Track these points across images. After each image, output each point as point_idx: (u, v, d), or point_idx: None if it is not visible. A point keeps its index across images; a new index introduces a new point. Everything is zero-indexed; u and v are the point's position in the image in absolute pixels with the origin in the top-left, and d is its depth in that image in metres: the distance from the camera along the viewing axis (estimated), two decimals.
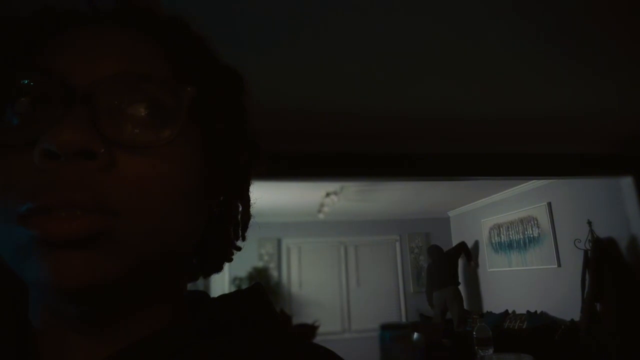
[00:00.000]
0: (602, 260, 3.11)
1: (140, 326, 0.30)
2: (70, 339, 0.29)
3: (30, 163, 0.26)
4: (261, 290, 0.38)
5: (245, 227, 0.40)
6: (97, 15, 0.33)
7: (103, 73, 0.28)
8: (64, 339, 0.29)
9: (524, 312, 4.36)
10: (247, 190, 0.39)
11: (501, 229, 5.08)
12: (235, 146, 0.36)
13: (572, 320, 3.58)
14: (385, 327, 1.67)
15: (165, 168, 0.29)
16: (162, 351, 0.29)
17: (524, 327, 4.07)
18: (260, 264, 5.76)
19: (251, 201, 0.40)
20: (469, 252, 5.41)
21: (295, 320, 4.68)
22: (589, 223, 3.48)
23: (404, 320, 5.85)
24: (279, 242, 5.99)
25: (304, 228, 6.04)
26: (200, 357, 0.30)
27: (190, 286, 0.37)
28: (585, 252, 3.35)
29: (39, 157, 0.25)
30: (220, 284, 5.66)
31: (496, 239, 5.18)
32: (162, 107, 0.29)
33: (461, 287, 6.01)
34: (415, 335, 1.79)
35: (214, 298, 0.37)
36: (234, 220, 0.39)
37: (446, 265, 5.14)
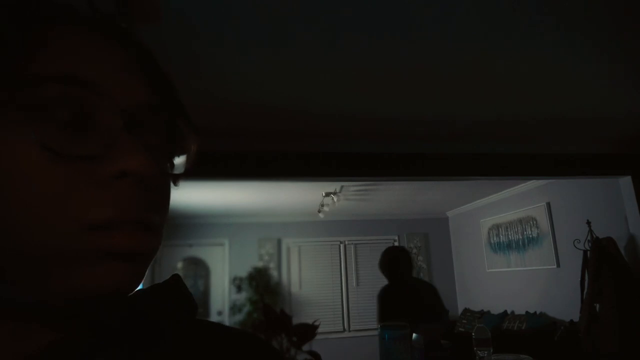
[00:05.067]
0: (602, 260, 3.11)
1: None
2: (25, 329, 0.29)
3: (93, 176, 0.28)
4: (180, 282, 0.39)
5: None
6: (102, 25, 0.33)
7: (143, 99, 0.31)
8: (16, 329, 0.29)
9: (523, 312, 4.37)
10: None
11: (500, 229, 5.08)
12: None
13: (571, 320, 3.59)
14: (385, 327, 1.67)
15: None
16: (91, 345, 0.29)
17: (523, 327, 4.08)
18: (260, 264, 5.76)
19: None
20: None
21: (295, 320, 4.68)
22: (588, 223, 3.48)
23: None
24: (279, 242, 6.00)
25: (304, 228, 6.04)
26: (124, 349, 0.30)
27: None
28: (585, 252, 3.36)
29: (114, 175, 0.28)
30: (221, 283, 5.67)
31: (495, 239, 5.18)
32: (181, 139, 0.34)
33: (460, 287, 6.04)
34: (415, 335, 1.79)
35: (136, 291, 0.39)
36: None
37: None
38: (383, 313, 2.82)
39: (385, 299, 2.87)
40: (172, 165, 0.33)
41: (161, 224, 0.31)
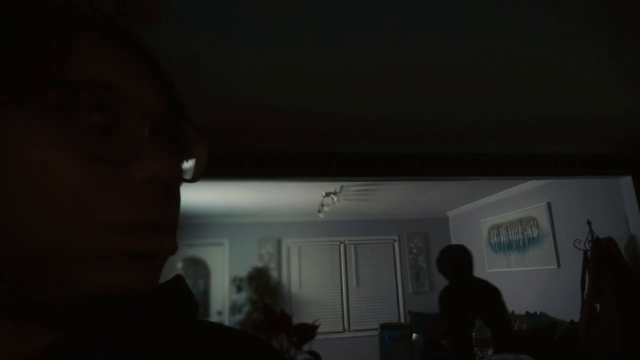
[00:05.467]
0: (602, 260, 3.11)
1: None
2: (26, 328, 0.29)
3: (118, 179, 0.28)
4: (182, 282, 0.39)
5: None
6: (119, 33, 0.33)
7: (153, 103, 0.31)
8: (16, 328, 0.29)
9: (524, 312, 4.37)
10: None
11: (500, 229, 5.08)
12: None
13: (571, 320, 3.59)
14: (384, 327, 1.67)
15: None
16: (91, 345, 0.29)
17: (523, 327, 4.07)
18: (260, 264, 5.76)
19: None
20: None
21: (295, 320, 4.68)
22: (589, 223, 3.48)
23: (403, 320, 5.85)
24: (279, 242, 6.00)
25: (304, 228, 6.04)
26: (125, 349, 0.30)
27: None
28: (585, 252, 3.35)
29: (141, 179, 0.28)
30: (221, 283, 5.67)
31: (495, 239, 5.18)
32: (187, 143, 0.34)
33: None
34: (415, 335, 1.80)
35: None
36: None
37: None
38: (444, 314, 2.74)
39: (446, 300, 2.78)
40: (181, 169, 0.34)
41: (176, 226, 0.32)
